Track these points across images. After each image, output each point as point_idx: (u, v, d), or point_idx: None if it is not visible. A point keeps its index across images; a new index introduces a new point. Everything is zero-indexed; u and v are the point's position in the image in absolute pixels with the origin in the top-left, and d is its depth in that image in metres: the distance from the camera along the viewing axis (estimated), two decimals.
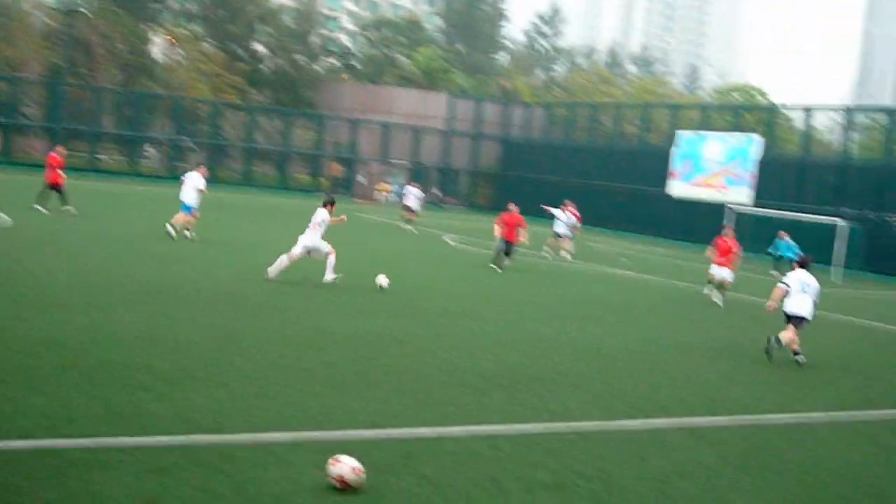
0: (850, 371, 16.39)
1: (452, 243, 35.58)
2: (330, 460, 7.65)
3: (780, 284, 16.94)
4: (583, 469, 8.86)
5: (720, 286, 24.13)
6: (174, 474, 7.54)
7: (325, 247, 20.03)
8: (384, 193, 66.00)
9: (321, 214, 20.15)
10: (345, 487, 7.51)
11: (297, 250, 19.82)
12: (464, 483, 8.08)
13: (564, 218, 35.23)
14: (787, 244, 39.30)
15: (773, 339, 16.35)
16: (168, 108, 63.68)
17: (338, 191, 63.78)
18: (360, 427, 9.39)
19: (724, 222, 41.15)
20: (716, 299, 24.14)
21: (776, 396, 13.41)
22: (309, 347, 13.06)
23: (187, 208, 26.26)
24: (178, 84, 67.00)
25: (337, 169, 66.06)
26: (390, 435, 9.27)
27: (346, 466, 7.55)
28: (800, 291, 16.78)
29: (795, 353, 16.40)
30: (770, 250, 39.99)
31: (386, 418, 9.81)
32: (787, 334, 16.40)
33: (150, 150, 68.04)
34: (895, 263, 43.92)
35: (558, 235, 35.06)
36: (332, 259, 19.95)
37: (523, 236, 27.15)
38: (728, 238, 25.00)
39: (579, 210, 37.96)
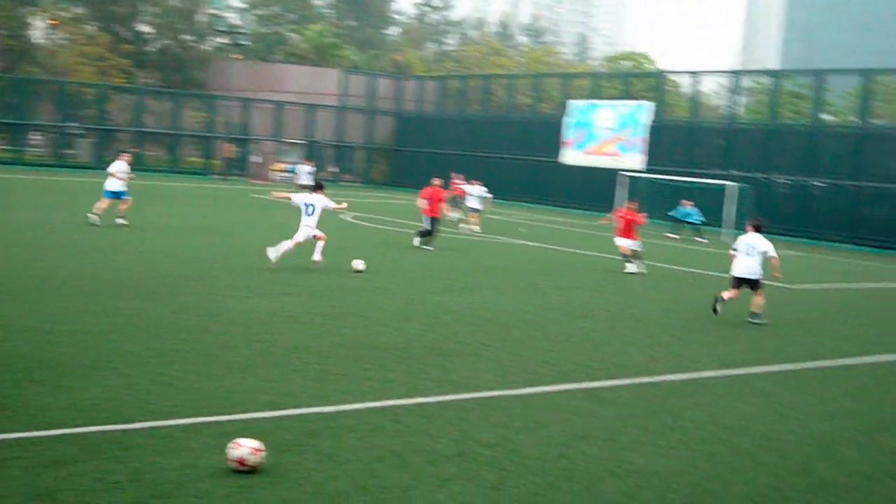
0: (742, 329, 16.81)
1: (350, 220, 35.40)
2: (230, 444, 7.57)
3: (730, 251, 18.11)
4: (485, 437, 8.92)
5: (634, 255, 24.17)
6: (70, 467, 7.36)
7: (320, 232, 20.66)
8: (279, 172, 65.30)
9: (323, 200, 20.84)
10: (245, 469, 7.44)
11: (301, 236, 20.41)
12: (366, 458, 8.07)
13: (475, 192, 35.13)
14: (687, 211, 40.34)
15: (717, 297, 17.42)
16: (53, 93, 61.87)
17: (231, 171, 62.96)
18: (260, 409, 9.30)
19: (629, 198, 41.92)
20: (633, 269, 23.90)
21: (673, 357, 13.70)
22: (206, 331, 12.88)
23: (111, 194, 26.39)
24: (61, 68, 65.15)
25: (230, 149, 65.09)
26: (291, 414, 9.20)
27: (245, 448, 7.48)
28: (744, 254, 17.59)
29: (756, 317, 17.34)
30: (671, 213, 40.85)
31: (286, 398, 9.74)
32: (729, 294, 17.49)
33: (35, 138, 66.03)
34: (782, 223, 45.17)
35: (474, 210, 34.83)
36: (322, 243, 20.55)
37: (447, 210, 27.33)
38: (630, 211, 24.83)
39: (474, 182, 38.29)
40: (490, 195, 36.76)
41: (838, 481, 8.52)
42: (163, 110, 64.07)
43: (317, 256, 20.37)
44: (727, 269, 19.17)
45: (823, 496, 8.08)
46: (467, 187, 35.56)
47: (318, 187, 21.42)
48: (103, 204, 26.17)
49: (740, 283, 17.60)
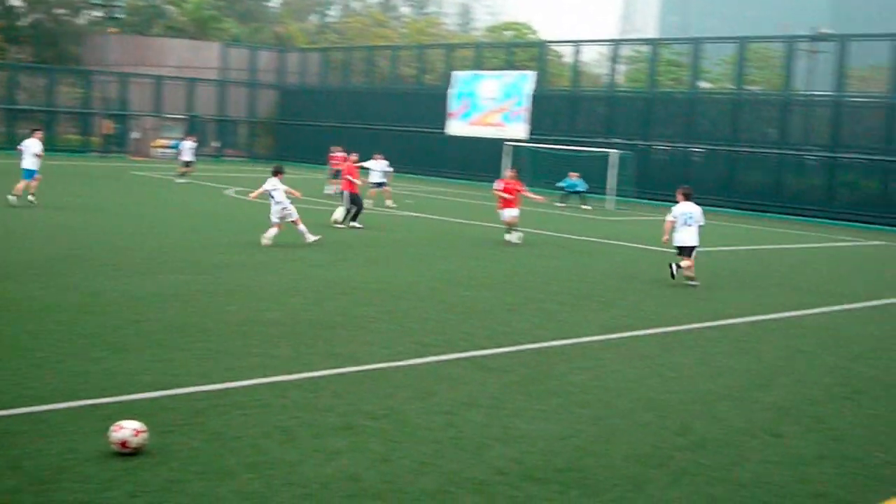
0: (623, 295, 17.15)
1: (234, 195, 34.93)
2: (112, 427, 7.43)
3: (667, 218, 18.97)
4: (372, 409, 8.94)
5: (511, 226, 24.00)
6: None
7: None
8: (160, 149, 64.01)
9: (275, 182, 21.27)
10: (128, 451, 7.32)
11: (275, 217, 21.10)
12: (253, 435, 8.02)
13: (378, 167, 34.18)
14: (573, 182, 40.98)
15: (674, 265, 18.56)
16: None
17: (111, 148, 61.44)
18: (143, 389, 9.13)
19: (510, 165, 42.15)
20: (511, 238, 23.76)
21: (557, 324, 13.90)
22: (87, 312, 12.58)
23: (29, 174, 26.30)
24: None
25: (108, 126, 63.44)
26: (176, 394, 9.07)
27: (127, 430, 7.35)
28: (684, 225, 18.68)
29: (691, 280, 18.50)
30: (559, 184, 41.39)
31: (170, 378, 9.59)
32: (686, 262, 18.57)
33: None
34: (663, 189, 46.15)
35: (378, 185, 33.91)
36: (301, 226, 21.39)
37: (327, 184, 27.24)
38: (510, 179, 24.44)
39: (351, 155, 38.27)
40: (391, 169, 36.02)
41: (717, 438, 8.79)
42: (36, 87, 62.03)
43: (308, 238, 21.02)
44: (610, 235, 19.59)
45: (703, 453, 8.33)
46: (370, 163, 34.29)
47: (276, 172, 21.82)
48: (25, 184, 26.23)
49: (682, 250, 18.75)
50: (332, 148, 40.23)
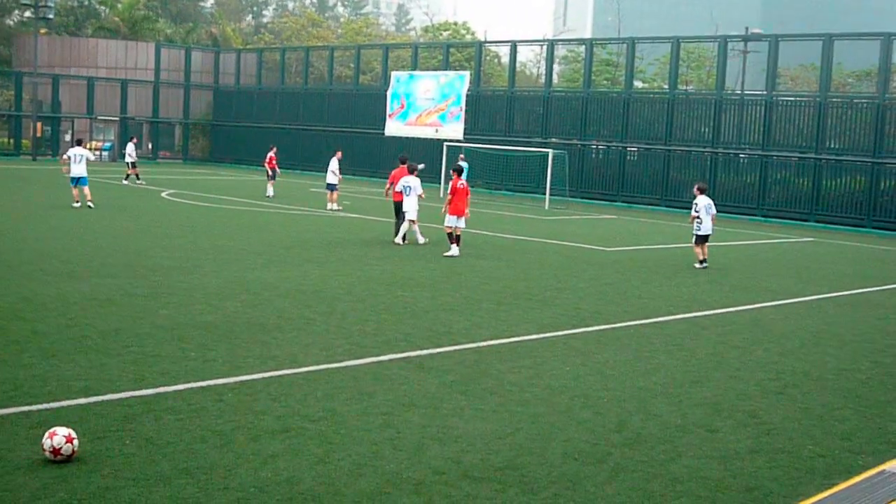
0: (561, 293, 17.25)
1: (167, 197, 34.55)
2: (46, 433, 7.30)
3: (692, 212, 21.78)
4: (309, 412, 8.89)
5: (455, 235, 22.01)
6: None
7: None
8: (95, 151, 63.07)
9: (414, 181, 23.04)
10: (60, 459, 7.19)
11: (412, 215, 23.04)
12: (188, 440, 7.93)
13: (334, 166, 32.91)
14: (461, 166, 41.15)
15: (700, 265, 21.49)
16: None
17: (42, 151, 60.39)
18: (75, 396, 8.99)
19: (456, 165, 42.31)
20: (454, 252, 21.54)
21: (495, 323, 13.94)
22: (16, 317, 12.35)
23: None
24: None
25: (39, 129, 62.31)
26: (108, 400, 8.93)
27: (59, 437, 7.22)
28: (706, 215, 21.63)
29: (703, 261, 21.45)
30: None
31: (103, 383, 9.45)
32: (703, 252, 21.55)
33: None
34: (599, 187, 46.52)
35: (331, 187, 32.83)
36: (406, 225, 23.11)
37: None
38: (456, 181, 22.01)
39: (277, 155, 38.80)
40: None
41: (653, 434, 8.88)
42: None
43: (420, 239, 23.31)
44: (546, 234, 19.59)
45: (638, 448, 8.40)
46: (332, 162, 32.88)
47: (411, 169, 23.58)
48: None
49: (704, 238, 21.56)
50: (271, 146, 40.26)
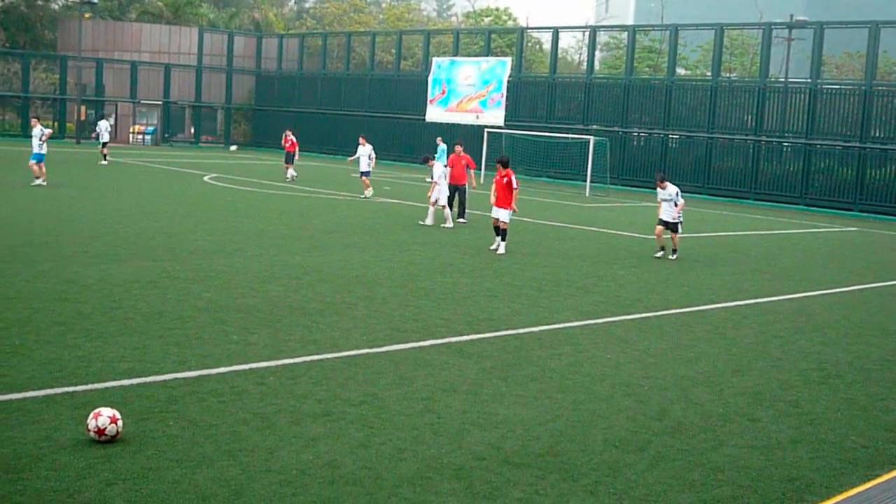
0: (602, 281, 17.19)
1: (210, 181, 34.79)
2: (91, 414, 7.39)
3: (681, 199, 20.77)
4: (350, 396, 8.93)
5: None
6: None
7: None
8: (136, 135, 63.65)
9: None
10: (105, 439, 7.28)
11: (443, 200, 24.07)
12: (231, 422, 7.99)
13: (365, 152, 32.51)
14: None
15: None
16: None
17: (86, 135, 60.99)
18: (119, 377, 9.09)
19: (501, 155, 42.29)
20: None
21: (536, 310, 13.92)
22: (62, 299, 12.50)
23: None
24: None
25: (83, 112, 62.96)
26: (152, 381, 9.02)
27: (104, 417, 7.31)
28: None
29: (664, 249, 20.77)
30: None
31: (147, 365, 9.55)
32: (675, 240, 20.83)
33: None
34: (640, 175, 46.25)
35: (365, 174, 32.32)
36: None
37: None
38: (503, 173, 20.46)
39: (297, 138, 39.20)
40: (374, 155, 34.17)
41: (694, 422, 8.83)
42: (10, 72, 61.47)
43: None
44: (587, 222, 19.63)
45: (679, 437, 8.37)
46: (361, 149, 32.50)
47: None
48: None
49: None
50: (287, 130, 40.58)
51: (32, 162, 29.41)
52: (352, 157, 33.40)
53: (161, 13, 74.63)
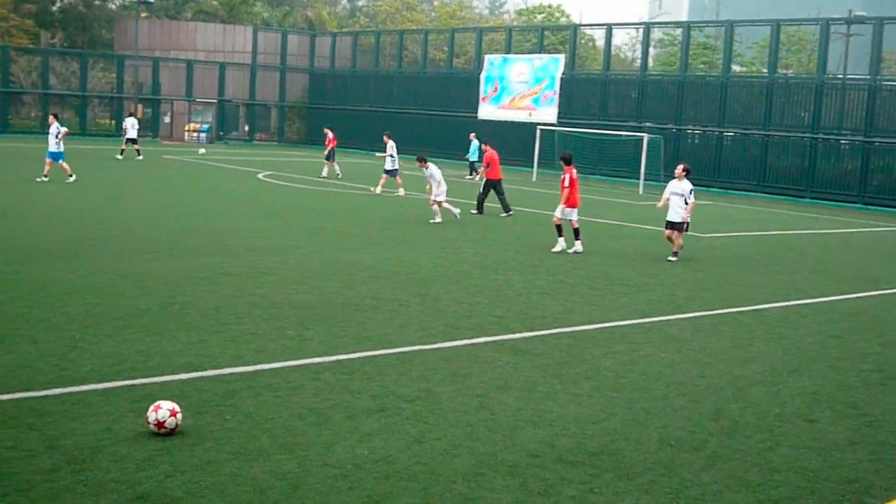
0: (656, 279, 17.08)
1: (263, 179, 35.07)
2: (151, 407, 7.49)
3: (692, 198, 19.77)
4: (405, 392, 8.97)
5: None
6: None
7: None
8: (192, 133, 64.32)
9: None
10: (164, 432, 7.38)
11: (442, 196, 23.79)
12: (286, 416, 8.06)
13: (391, 150, 32.10)
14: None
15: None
16: None
17: (142, 133, 61.75)
18: (177, 371, 9.21)
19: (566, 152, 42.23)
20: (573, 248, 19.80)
21: (589, 308, 13.87)
22: (119, 294, 12.68)
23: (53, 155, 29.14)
24: None
25: (140, 110, 63.73)
26: (209, 375, 9.13)
27: (164, 410, 7.41)
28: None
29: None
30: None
31: (204, 359, 9.66)
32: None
33: None
34: (693, 174, 45.81)
35: (391, 173, 31.92)
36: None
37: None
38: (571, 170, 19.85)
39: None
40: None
41: (751, 422, 8.75)
42: (69, 71, 62.40)
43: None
44: (641, 220, 19.55)
45: (736, 437, 8.29)
46: (389, 145, 32.04)
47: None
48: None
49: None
50: (325, 129, 40.64)
51: (51, 160, 29.15)
52: (381, 154, 33.22)
53: (216, 12, 75.36)
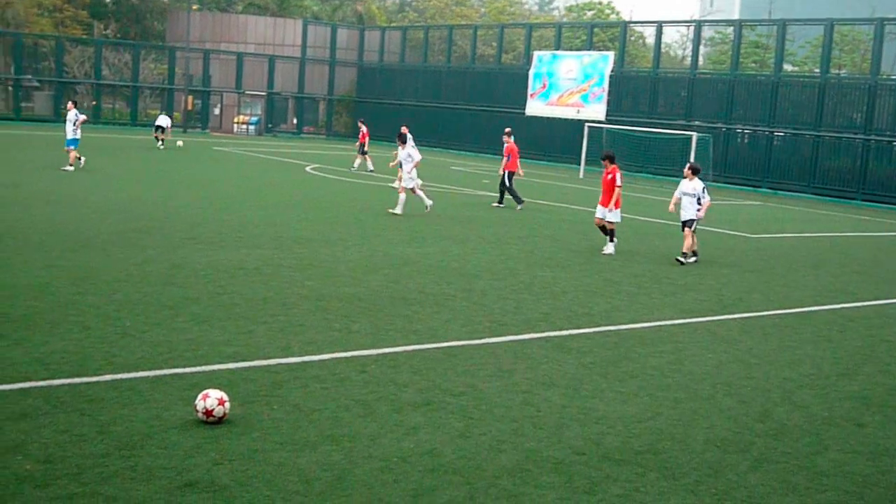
0: (702, 279, 16.96)
1: (311, 172, 35.25)
2: (200, 395, 7.58)
3: (707, 197, 18.86)
4: (450, 386, 8.99)
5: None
6: (35, 419, 7.34)
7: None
8: (241, 125, 64.81)
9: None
10: (212, 420, 7.46)
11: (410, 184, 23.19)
12: (333, 408, 8.12)
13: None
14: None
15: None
16: (8, 45, 60.74)
17: (192, 124, 62.34)
18: (225, 360, 9.30)
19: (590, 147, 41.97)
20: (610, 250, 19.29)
21: (636, 306, 13.81)
22: (169, 283, 12.82)
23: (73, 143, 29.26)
24: (17, 20, 63.93)
25: (190, 102, 64.34)
26: (257, 366, 9.21)
27: (212, 399, 7.49)
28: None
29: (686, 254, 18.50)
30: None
31: (252, 350, 9.75)
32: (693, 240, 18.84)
33: None
34: (743, 173, 45.46)
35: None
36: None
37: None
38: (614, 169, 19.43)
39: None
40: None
41: (798, 425, 8.67)
42: (121, 62, 63.12)
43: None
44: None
45: (783, 439, 8.23)
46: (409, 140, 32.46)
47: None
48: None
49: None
50: (360, 121, 40.64)
51: (70, 148, 29.16)
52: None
53: (266, 5, 75.80)
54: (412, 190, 23.24)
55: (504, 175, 27.03)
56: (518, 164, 27.38)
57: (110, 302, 11.44)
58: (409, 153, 23.20)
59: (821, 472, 7.53)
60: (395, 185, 30.72)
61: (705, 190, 18.74)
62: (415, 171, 23.40)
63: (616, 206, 19.04)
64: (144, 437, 7.15)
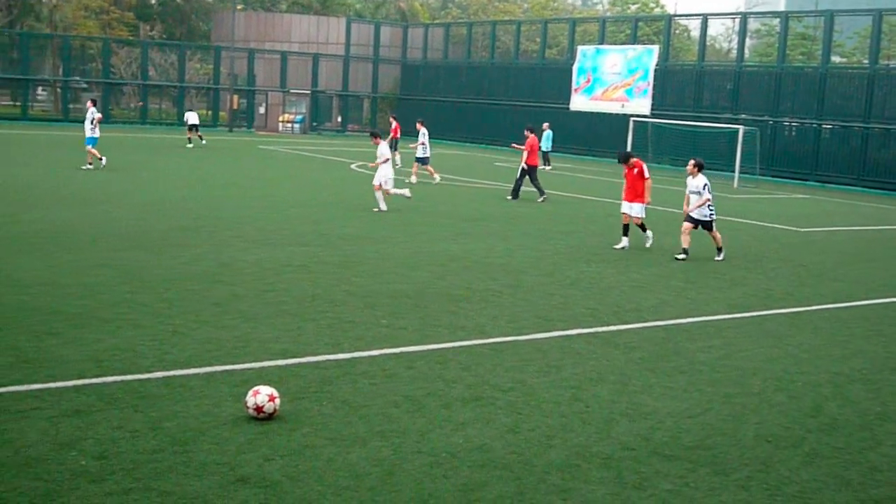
0: (751, 273, 16.82)
1: (356, 169, 35.38)
2: (250, 392, 7.64)
3: (708, 193, 17.97)
4: (498, 382, 9.00)
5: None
6: (89, 416, 7.45)
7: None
8: (286, 123, 65.18)
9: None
10: (263, 416, 7.53)
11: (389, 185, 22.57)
12: (382, 404, 8.15)
13: (424, 138, 32.12)
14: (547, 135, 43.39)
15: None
16: (56, 48, 61.59)
17: (238, 123, 62.78)
18: (274, 357, 9.38)
19: (634, 143, 41.72)
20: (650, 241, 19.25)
21: (684, 301, 13.73)
22: (217, 281, 12.94)
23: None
24: (65, 23, 64.79)
25: (236, 101, 64.81)
26: (306, 362, 9.28)
27: (262, 395, 7.56)
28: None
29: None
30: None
31: (300, 346, 9.82)
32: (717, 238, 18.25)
33: (40, 93, 65.93)
34: (791, 166, 44.99)
35: (422, 161, 32.04)
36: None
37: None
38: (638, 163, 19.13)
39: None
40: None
41: (849, 420, 8.58)
42: (167, 63, 63.75)
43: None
44: (736, 214, 19.25)
45: (835, 434, 8.14)
46: (421, 133, 32.16)
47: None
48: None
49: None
50: (391, 116, 40.81)
51: (89, 147, 29.39)
52: (414, 144, 33.11)
53: (310, 4, 76.23)
54: (379, 186, 22.40)
55: (524, 168, 26.95)
56: (535, 158, 27.75)
57: (160, 300, 11.57)
58: (382, 151, 22.46)
59: (874, 467, 7.45)
60: (413, 179, 30.80)
61: (706, 187, 17.94)
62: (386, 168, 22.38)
63: (641, 199, 18.70)
64: (197, 433, 7.23)
